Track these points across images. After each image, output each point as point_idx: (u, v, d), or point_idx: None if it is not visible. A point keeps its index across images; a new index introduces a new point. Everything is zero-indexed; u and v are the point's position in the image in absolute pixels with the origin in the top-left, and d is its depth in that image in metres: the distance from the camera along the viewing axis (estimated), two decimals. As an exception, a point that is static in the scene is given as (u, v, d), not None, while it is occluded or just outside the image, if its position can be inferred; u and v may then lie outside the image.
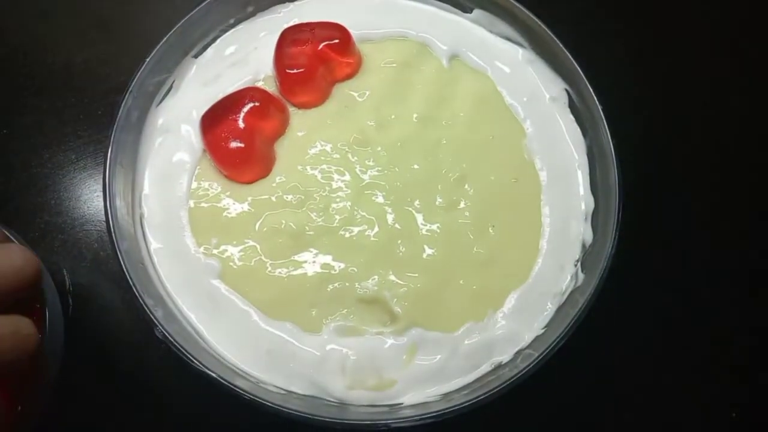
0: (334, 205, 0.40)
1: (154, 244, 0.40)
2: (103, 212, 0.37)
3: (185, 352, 0.34)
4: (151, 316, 0.35)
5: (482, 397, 0.34)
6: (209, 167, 0.41)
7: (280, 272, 0.39)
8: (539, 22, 0.44)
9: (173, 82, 0.44)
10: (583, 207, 0.42)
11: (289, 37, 0.43)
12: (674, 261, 0.47)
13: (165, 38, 0.42)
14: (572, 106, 0.45)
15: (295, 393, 0.37)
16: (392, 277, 0.39)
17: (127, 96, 0.40)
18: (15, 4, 0.52)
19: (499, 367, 0.38)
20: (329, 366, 0.37)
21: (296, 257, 0.39)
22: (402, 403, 0.37)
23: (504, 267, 0.40)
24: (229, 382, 0.34)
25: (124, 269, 0.36)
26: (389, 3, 0.47)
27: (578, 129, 0.44)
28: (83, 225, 0.46)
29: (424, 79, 0.45)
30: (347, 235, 0.40)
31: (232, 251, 0.39)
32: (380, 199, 0.41)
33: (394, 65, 0.45)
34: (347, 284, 0.38)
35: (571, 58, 0.43)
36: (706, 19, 0.56)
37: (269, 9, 0.47)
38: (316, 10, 0.46)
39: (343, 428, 0.34)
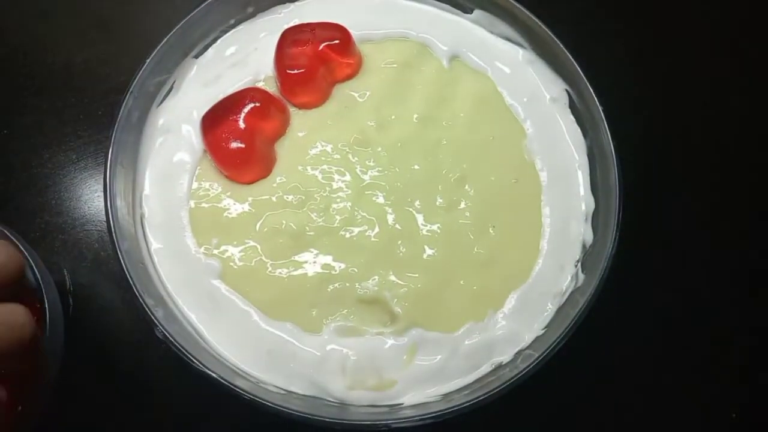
0: (334, 206, 0.40)
1: (154, 244, 0.40)
2: (103, 212, 0.37)
3: (185, 352, 0.34)
4: (151, 316, 0.35)
5: (482, 398, 0.34)
6: (210, 167, 0.41)
7: (280, 272, 0.39)
8: (539, 23, 0.44)
9: (174, 82, 0.44)
10: (583, 207, 0.42)
11: (290, 38, 0.43)
12: (674, 261, 0.47)
13: (165, 39, 0.42)
14: (572, 107, 0.45)
15: (295, 393, 0.37)
16: (392, 278, 0.39)
17: (127, 96, 0.40)
18: (15, 4, 0.53)
19: (500, 367, 0.38)
20: (329, 366, 0.37)
21: (297, 257, 0.39)
22: (402, 404, 0.37)
23: (504, 267, 0.40)
24: (229, 382, 0.34)
25: (125, 269, 0.36)
26: (389, 3, 0.47)
27: (578, 129, 0.44)
28: (84, 225, 0.46)
29: (425, 79, 0.45)
30: (347, 235, 0.40)
31: (233, 251, 0.39)
32: (380, 200, 0.41)
33: (395, 66, 0.45)
34: (347, 284, 0.38)
35: (572, 59, 0.43)
36: (706, 19, 0.56)
37: (270, 9, 0.47)
38: (316, 11, 0.46)
39: (343, 428, 0.34)
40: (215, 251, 0.39)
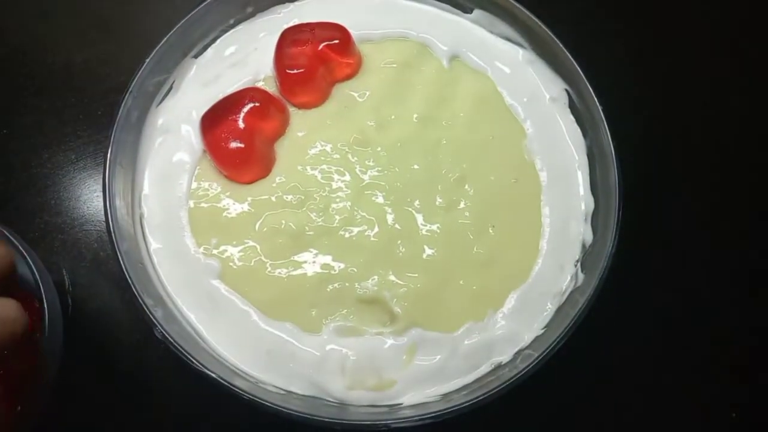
0: (334, 206, 0.40)
1: (153, 245, 0.40)
2: (102, 212, 0.37)
3: (185, 352, 0.34)
4: (150, 316, 0.35)
5: (482, 398, 0.34)
6: (209, 167, 0.41)
7: (279, 272, 0.39)
8: (539, 23, 0.44)
9: (173, 82, 0.44)
10: (583, 207, 0.42)
11: (289, 38, 0.43)
12: (674, 261, 0.47)
13: (165, 38, 0.42)
14: (572, 107, 0.45)
15: (294, 393, 0.37)
16: (392, 278, 0.39)
17: (127, 96, 0.40)
18: (15, 4, 0.53)
19: (499, 367, 0.38)
20: (329, 366, 0.37)
21: (296, 257, 0.39)
22: (402, 404, 0.37)
23: (504, 267, 0.40)
24: (228, 382, 0.34)
25: (124, 269, 0.36)
26: (389, 3, 0.47)
27: (578, 129, 0.44)
28: (83, 225, 0.46)
29: (425, 79, 0.44)
30: (347, 235, 0.40)
31: (232, 251, 0.39)
32: (380, 200, 0.41)
33: (395, 65, 0.45)
34: (347, 284, 0.38)
35: (571, 59, 0.43)
36: (706, 19, 0.56)
37: (269, 9, 0.47)
38: (316, 11, 0.46)
39: (342, 428, 0.34)
40: (214, 251, 0.39)
